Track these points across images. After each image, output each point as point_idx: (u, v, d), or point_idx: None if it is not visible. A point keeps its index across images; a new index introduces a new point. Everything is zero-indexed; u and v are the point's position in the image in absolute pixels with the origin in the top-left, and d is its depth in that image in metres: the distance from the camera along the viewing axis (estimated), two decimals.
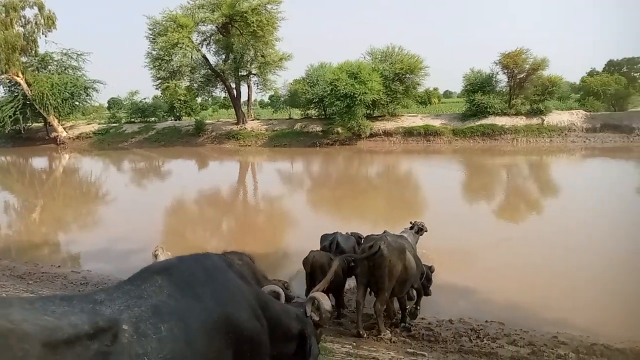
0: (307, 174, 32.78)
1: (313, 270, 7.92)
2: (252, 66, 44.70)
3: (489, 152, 36.51)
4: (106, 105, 72.19)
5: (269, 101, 58.42)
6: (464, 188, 24.63)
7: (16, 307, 1.85)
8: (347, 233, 9.64)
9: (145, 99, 55.79)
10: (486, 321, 8.79)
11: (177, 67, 42.96)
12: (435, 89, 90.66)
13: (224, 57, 45.82)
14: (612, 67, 66.36)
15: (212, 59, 46.60)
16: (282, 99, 49.23)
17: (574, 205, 18.49)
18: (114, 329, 2.01)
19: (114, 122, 55.64)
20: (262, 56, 43.11)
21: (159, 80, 44.02)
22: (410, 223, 10.19)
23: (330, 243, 9.12)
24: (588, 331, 8.59)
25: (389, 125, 42.40)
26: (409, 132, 41.20)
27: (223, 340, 2.47)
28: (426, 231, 10.35)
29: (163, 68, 42.62)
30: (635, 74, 60.25)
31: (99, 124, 55.81)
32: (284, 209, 20.87)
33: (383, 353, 6.39)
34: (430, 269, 8.70)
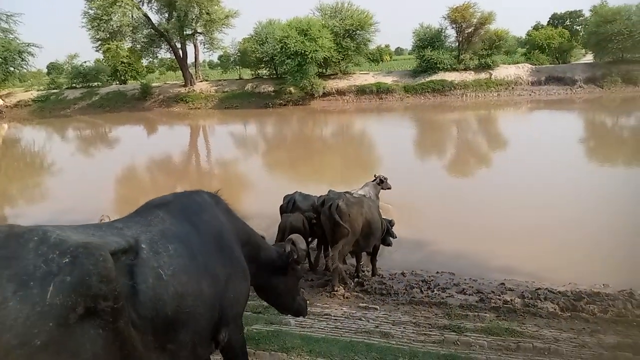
0: (262, 136, 32.34)
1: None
2: (197, 24, 42.70)
3: (439, 108, 37.06)
4: (45, 70, 67.98)
5: (219, 62, 56.19)
6: (416, 145, 25.05)
7: (71, 230, 2.34)
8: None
9: (86, 62, 52.69)
10: (437, 272, 9.08)
11: (117, 27, 40.50)
12: (387, 46, 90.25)
13: (167, 15, 43.53)
14: (556, 20, 67.88)
15: (155, 18, 44.39)
16: (232, 58, 47.57)
17: (520, 157, 19.18)
18: (135, 247, 2.51)
19: (54, 88, 52.51)
20: (207, 13, 41.25)
21: (99, 42, 41.61)
22: (375, 176, 11.14)
23: (287, 202, 9.08)
24: (534, 276, 9.06)
25: (342, 83, 42.06)
26: (361, 91, 41.06)
27: (220, 261, 3.07)
28: (389, 188, 11.47)
29: (102, 28, 40.16)
30: (578, 27, 61.88)
31: (38, 90, 52.47)
32: (240, 173, 20.55)
33: (336, 309, 6.47)
34: (391, 222, 9.07)
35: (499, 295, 7.56)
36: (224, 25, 43.46)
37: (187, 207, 3.17)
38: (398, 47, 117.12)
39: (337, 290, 7.37)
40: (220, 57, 53.49)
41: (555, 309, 6.89)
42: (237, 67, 48.41)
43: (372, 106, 39.80)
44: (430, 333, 5.49)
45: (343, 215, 7.21)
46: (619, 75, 36.33)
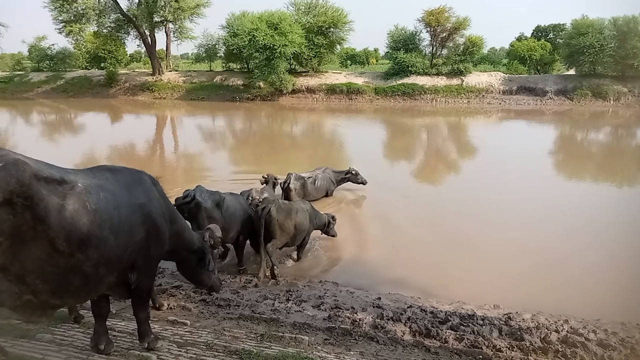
0: (230, 131, 31.09)
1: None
2: (167, 12, 41.31)
3: (409, 112, 36.20)
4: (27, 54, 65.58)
5: (194, 54, 54.53)
6: (386, 148, 24.23)
7: (31, 159, 3.32)
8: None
9: (53, 45, 50.84)
10: (320, 281, 8.36)
11: (82, 9, 39.06)
12: (376, 50, 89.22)
13: (136, 0, 42.11)
14: (539, 32, 67.31)
15: (124, 3, 42.74)
16: (203, 49, 46.20)
17: (485, 167, 18.31)
18: (72, 184, 3.48)
19: (19, 70, 50.82)
20: (176, 1, 39.90)
21: (62, 24, 40.02)
22: (349, 169, 13.61)
23: (185, 197, 7.90)
24: (424, 292, 8.15)
25: (312, 81, 41.07)
26: (331, 90, 40.14)
27: (139, 220, 4.00)
28: (363, 183, 13.65)
29: (65, 9, 38.68)
30: (560, 40, 61.38)
31: (2, 71, 50.80)
32: (205, 167, 19.18)
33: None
34: (333, 218, 9.98)
35: (355, 313, 6.51)
36: (194, 14, 42.17)
37: (128, 177, 4.16)
38: (388, 52, 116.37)
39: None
40: (198, 49, 51.90)
41: (402, 334, 5.86)
42: (207, 58, 47.08)
43: (342, 106, 38.87)
44: (189, 356, 4.46)
45: (272, 220, 8.35)
46: (590, 88, 35.77)
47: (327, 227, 9.84)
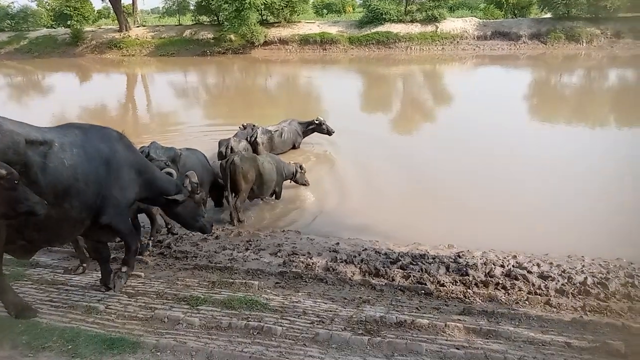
0: (203, 86, 30.44)
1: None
2: None
3: (384, 61, 35.79)
4: None
5: (165, 8, 52.27)
6: (363, 99, 24.09)
7: (14, 123, 3.87)
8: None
9: (13, 2, 48.37)
10: (283, 230, 8.53)
11: None
12: None
13: None
14: None
15: None
16: (171, 2, 44.48)
17: (460, 115, 18.22)
18: (50, 143, 4.04)
19: None
20: None
21: None
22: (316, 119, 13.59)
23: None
24: (388, 236, 8.35)
25: (285, 32, 40.13)
26: (305, 40, 39.34)
27: (105, 170, 4.58)
28: (328, 133, 13.64)
29: None
30: None
31: None
32: (180, 122, 18.68)
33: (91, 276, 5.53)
34: (302, 168, 10.34)
35: (309, 258, 6.73)
36: None
37: (95, 133, 4.69)
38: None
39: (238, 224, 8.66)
40: (165, 2, 49.85)
41: (352, 274, 6.11)
42: (179, 13, 45.45)
43: (316, 57, 38.24)
44: (138, 305, 4.65)
45: (236, 169, 8.63)
46: (563, 31, 35.59)
47: (295, 176, 10.21)
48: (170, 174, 5.65)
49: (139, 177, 4.99)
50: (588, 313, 5.33)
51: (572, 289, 5.88)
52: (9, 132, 3.60)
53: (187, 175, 5.71)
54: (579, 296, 5.75)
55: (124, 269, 5.07)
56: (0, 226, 3.77)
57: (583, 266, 6.65)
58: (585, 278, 6.10)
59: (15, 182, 3.41)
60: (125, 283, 5.09)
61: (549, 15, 39.63)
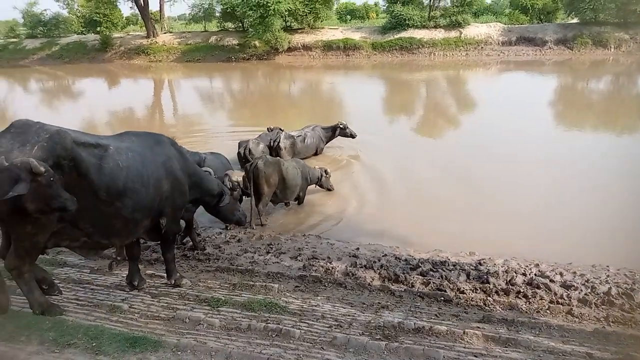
0: (228, 92, 30.89)
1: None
2: None
3: (407, 67, 35.70)
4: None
5: (191, 14, 53.13)
6: (386, 104, 24.10)
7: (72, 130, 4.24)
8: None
9: (46, 10, 49.87)
10: (303, 235, 8.51)
11: None
12: (376, 4, 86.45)
13: None
14: None
15: None
16: (197, 9, 45.26)
17: (487, 121, 18.03)
18: (106, 147, 4.36)
19: (13, 38, 50.14)
20: None
21: None
22: (339, 123, 13.65)
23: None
24: (407, 242, 8.36)
25: (308, 38, 40.39)
26: (328, 46, 39.51)
27: (163, 175, 4.88)
28: (352, 136, 13.73)
29: None
30: None
31: None
32: (204, 127, 19.03)
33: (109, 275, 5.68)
34: (327, 172, 10.47)
35: (329, 263, 6.77)
36: None
37: (150, 139, 5.04)
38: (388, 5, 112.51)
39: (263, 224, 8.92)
40: (192, 9, 50.69)
41: (372, 280, 6.13)
42: (205, 19, 46.21)
43: (339, 63, 38.38)
44: (161, 305, 4.76)
45: (259, 173, 8.74)
46: (590, 37, 34.95)
47: (320, 180, 10.36)
48: (209, 172, 6.06)
49: (190, 180, 5.35)
50: (611, 324, 5.24)
51: (596, 299, 5.78)
52: (57, 131, 3.92)
53: (227, 174, 6.52)
54: (603, 306, 5.65)
55: (175, 280, 5.45)
56: (45, 223, 3.93)
57: (607, 276, 6.53)
58: (610, 288, 5.99)
59: (51, 179, 3.63)
60: (180, 282, 5.45)
61: (575, 20, 38.98)
